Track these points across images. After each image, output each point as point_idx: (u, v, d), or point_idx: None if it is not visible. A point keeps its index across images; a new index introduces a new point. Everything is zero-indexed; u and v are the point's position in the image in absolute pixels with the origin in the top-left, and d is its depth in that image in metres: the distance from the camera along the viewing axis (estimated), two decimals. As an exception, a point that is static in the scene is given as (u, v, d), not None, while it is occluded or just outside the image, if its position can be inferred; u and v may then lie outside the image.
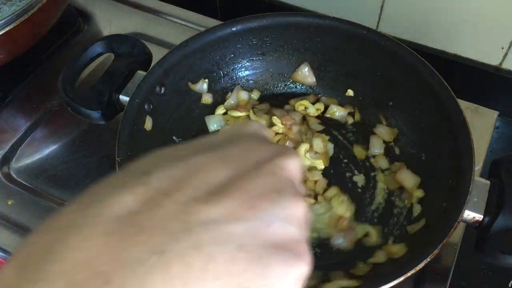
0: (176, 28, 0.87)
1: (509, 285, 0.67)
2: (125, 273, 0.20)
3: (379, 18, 0.83)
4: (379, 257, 0.58)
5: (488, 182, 0.54)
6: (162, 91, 0.66)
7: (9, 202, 0.67)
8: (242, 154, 0.26)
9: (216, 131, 0.25)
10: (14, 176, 0.70)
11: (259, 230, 0.23)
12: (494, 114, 0.75)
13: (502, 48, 0.77)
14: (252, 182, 0.24)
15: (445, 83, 0.61)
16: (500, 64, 0.80)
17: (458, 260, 0.62)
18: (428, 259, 0.49)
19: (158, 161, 0.25)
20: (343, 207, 0.62)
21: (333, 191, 0.65)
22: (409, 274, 0.48)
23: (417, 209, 0.61)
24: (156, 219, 0.21)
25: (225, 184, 0.23)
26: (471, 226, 0.54)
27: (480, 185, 0.54)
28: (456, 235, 0.63)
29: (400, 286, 0.60)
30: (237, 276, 0.21)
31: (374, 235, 0.61)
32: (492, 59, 0.80)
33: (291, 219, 0.24)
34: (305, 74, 0.74)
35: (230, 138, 0.28)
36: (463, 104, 0.73)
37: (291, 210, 0.24)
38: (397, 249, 0.58)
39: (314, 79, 0.74)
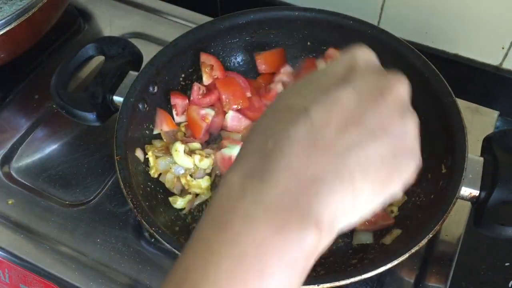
0: (177, 27, 0.87)
1: (509, 285, 0.67)
2: (317, 183, 0.28)
3: (380, 18, 0.83)
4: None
5: (481, 158, 0.57)
6: (155, 90, 0.67)
7: (10, 202, 0.67)
8: (368, 85, 0.31)
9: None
10: (15, 175, 0.70)
11: (392, 145, 0.30)
12: (494, 114, 0.75)
13: (503, 48, 0.77)
14: (380, 110, 0.30)
15: (432, 65, 0.63)
16: (500, 64, 0.80)
17: (458, 260, 0.62)
18: (430, 235, 0.51)
19: (307, 96, 0.31)
20: None
21: None
22: (413, 250, 0.50)
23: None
24: (325, 147, 0.28)
25: (362, 113, 0.29)
26: (469, 201, 0.56)
27: (474, 161, 0.56)
28: (457, 233, 0.63)
29: (400, 283, 0.60)
30: (384, 180, 0.29)
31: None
32: (492, 59, 0.80)
33: (411, 132, 0.31)
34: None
35: (351, 68, 0.32)
36: (463, 104, 0.73)
37: (410, 127, 0.31)
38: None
39: None
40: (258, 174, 0.28)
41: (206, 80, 0.71)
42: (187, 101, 0.70)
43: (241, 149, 0.31)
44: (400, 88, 0.32)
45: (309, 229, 0.27)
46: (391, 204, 0.63)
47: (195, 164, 0.64)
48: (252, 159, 0.29)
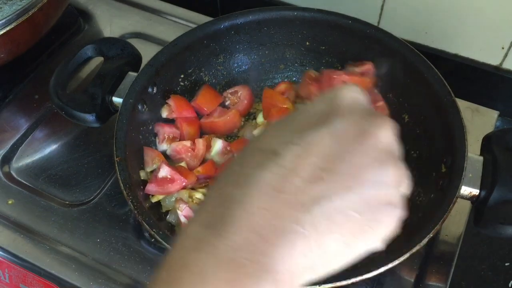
0: (177, 27, 0.87)
1: (509, 285, 0.67)
2: (277, 235, 0.26)
3: (380, 18, 0.83)
4: None
5: (481, 158, 0.57)
6: (154, 91, 0.67)
7: (10, 202, 0.67)
8: (347, 128, 0.29)
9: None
10: (15, 175, 0.70)
11: (367, 196, 0.27)
12: (494, 114, 0.75)
13: (502, 48, 0.77)
14: (357, 156, 0.28)
15: (432, 65, 0.63)
16: (500, 64, 0.80)
17: (458, 260, 0.62)
18: (431, 235, 0.51)
19: (280, 138, 0.29)
20: None
21: None
22: (414, 250, 0.50)
23: None
24: (291, 195, 0.27)
25: (336, 159, 0.28)
26: (469, 200, 0.56)
27: (474, 161, 0.56)
28: (457, 233, 0.64)
29: (400, 283, 0.60)
30: (356, 234, 0.27)
31: None
32: (492, 59, 0.80)
33: (392, 183, 0.29)
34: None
35: (333, 108, 0.30)
36: (463, 104, 0.73)
37: (390, 177, 0.29)
38: None
39: None
40: (215, 225, 0.27)
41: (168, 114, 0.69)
42: (174, 129, 0.69)
43: (206, 196, 0.30)
44: (383, 133, 0.29)
45: (265, 284, 0.25)
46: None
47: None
48: (212, 208, 0.28)
